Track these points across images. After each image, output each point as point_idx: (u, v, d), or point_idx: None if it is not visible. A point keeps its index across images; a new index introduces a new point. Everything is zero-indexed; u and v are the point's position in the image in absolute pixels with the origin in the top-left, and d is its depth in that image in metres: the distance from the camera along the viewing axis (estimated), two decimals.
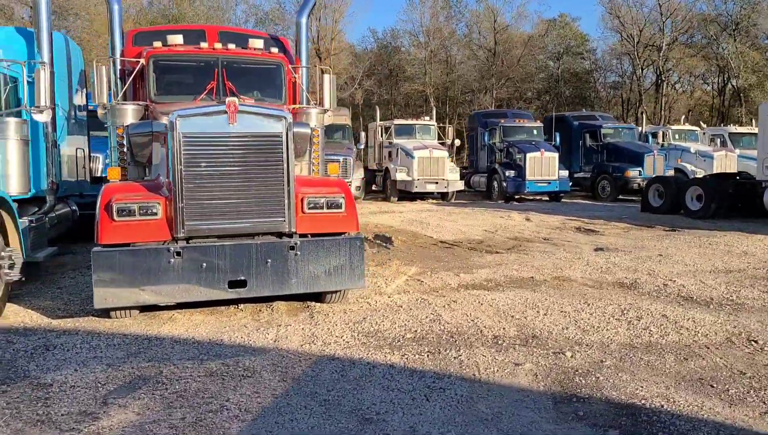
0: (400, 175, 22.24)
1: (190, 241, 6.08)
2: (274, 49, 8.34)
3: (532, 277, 8.50)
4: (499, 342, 5.59)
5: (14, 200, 7.72)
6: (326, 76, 8.40)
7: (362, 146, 22.95)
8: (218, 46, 8.05)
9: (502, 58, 52.89)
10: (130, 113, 7.37)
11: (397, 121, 24.90)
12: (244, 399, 4.30)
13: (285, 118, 6.25)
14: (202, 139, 6.01)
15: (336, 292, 6.78)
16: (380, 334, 5.83)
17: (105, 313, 6.31)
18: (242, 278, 6.13)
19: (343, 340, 5.64)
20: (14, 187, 7.34)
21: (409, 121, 24.94)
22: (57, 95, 8.85)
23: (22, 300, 7.23)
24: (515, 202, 21.89)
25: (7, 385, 4.61)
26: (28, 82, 7.84)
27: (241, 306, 6.82)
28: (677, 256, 9.94)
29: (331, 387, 4.52)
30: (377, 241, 12.24)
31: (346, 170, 20.71)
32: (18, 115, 7.61)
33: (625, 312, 6.57)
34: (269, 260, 6.19)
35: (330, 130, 22.78)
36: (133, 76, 7.78)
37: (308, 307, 6.85)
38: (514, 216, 16.76)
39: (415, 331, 5.91)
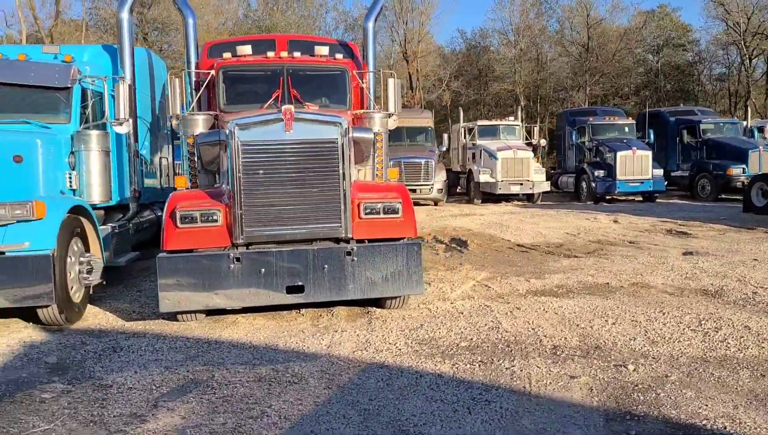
0: (484, 177, 21.90)
1: (250, 247, 6.20)
2: (339, 56, 8.39)
3: (608, 283, 8.08)
4: (558, 353, 5.34)
5: (100, 208, 8.22)
6: (390, 81, 8.35)
7: (444, 148, 22.76)
8: (284, 54, 8.19)
9: (596, 53, 51.03)
10: (200, 123, 7.63)
11: (480, 122, 24.56)
12: (286, 406, 4.32)
13: (340, 124, 6.27)
14: (260, 147, 6.13)
15: (394, 298, 6.72)
16: (434, 341, 5.72)
17: (173, 316, 6.55)
18: (300, 284, 6.19)
19: (396, 347, 5.56)
20: (96, 196, 7.77)
21: (493, 122, 24.54)
22: (139, 107, 9.33)
23: (104, 302, 7.64)
24: (605, 204, 21.02)
25: (72, 385, 4.87)
26: (110, 96, 8.33)
27: (303, 311, 6.90)
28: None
29: (374, 396, 4.46)
30: (452, 244, 12.08)
31: (428, 173, 20.66)
32: (102, 127, 8.06)
33: (703, 322, 6.11)
34: (326, 266, 6.22)
35: (412, 133, 22.93)
36: (204, 86, 8.06)
37: (368, 312, 6.83)
38: (600, 218, 16.08)
39: (471, 339, 5.75)
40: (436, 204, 21.63)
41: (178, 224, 6.11)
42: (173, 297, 6.02)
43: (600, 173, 21.53)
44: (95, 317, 6.98)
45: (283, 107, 6.15)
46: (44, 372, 5.21)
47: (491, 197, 22.41)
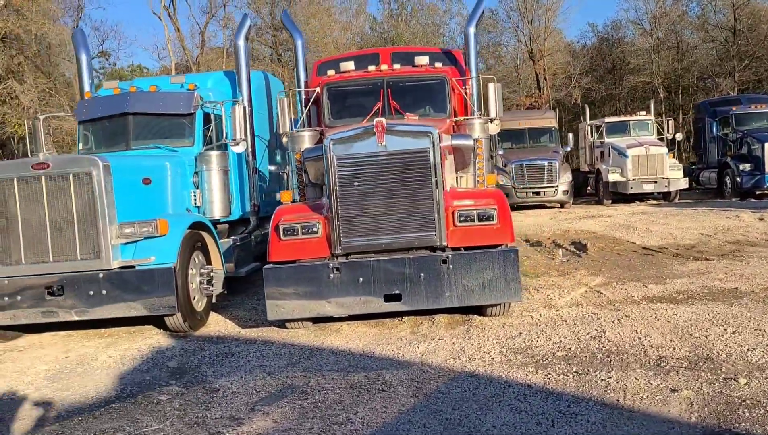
0: (613, 176, 20.88)
1: (348, 257, 6.42)
2: (439, 64, 8.45)
3: (737, 289, 7.47)
4: (662, 364, 5.04)
5: (224, 222, 8.87)
6: (491, 85, 8.29)
7: (569, 148, 21.98)
8: (385, 67, 8.38)
9: (746, 35, 46.94)
10: (306, 139, 8.01)
11: (608, 119, 23.45)
12: (371, 413, 4.44)
13: (431, 133, 6.33)
14: (354, 160, 6.35)
15: (494, 305, 6.65)
16: (530, 350, 5.60)
17: (282, 324, 6.93)
18: (397, 292, 6.32)
19: (490, 356, 5.52)
20: (217, 212, 8.38)
21: (622, 118, 23.34)
22: (257, 127, 9.93)
23: (226, 310, 8.22)
24: (752, 200, 19.27)
25: (186, 388, 5.32)
26: (229, 118, 8.97)
27: (404, 319, 7.02)
28: None
29: (457, 406, 4.47)
30: (571, 248, 11.68)
31: (552, 174, 20.04)
32: (222, 148, 8.69)
33: None
34: (422, 274, 6.29)
35: (535, 134, 22.41)
36: (310, 103, 8.46)
37: (468, 320, 6.81)
38: (744, 216, 14.76)
39: (569, 348, 5.57)
40: (562, 206, 20.95)
41: (282, 237, 6.47)
42: (279, 305, 6.38)
43: (746, 167, 19.76)
44: (216, 324, 7.54)
45: (375, 120, 6.32)
46: (165, 375, 5.73)
47: (622, 197, 21.32)
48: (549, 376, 4.94)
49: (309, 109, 8.66)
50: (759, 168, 19.43)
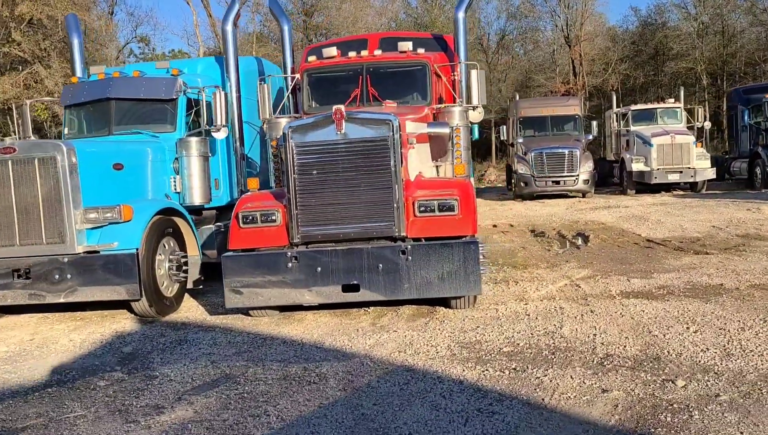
0: (636, 166, 20.28)
1: (308, 247, 6.35)
2: (421, 50, 8.25)
3: (722, 284, 7.14)
4: (605, 363, 4.83)
5: (212, 208, 8.88)
6: (473, 72, 8.06)
7: (591, 137, 21.39)
8: (365, 53, 8.23)
9: None
10: (283, 126, 7.92)
11: (634, 107, 22.72)
12: (291, 406, 4.37)
13: (390, 122, 6.18)
14: (313, 148, 6.25)
15: (457, 298, 6.49)
16: (479, 345, 5.44)
17: (247, 311, 6.90)
18: (355, 283, 6.22)
19: (436, 350, 5.39)
20: (197, 198, 8.38)
21: (649, 106, 22.64)
22: (247, 113, 9.89)
23: (204, 297, 8.23)
24: None
25: (129, 375, 5.34)
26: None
27: (371, 309, 6.91)
28: None
29: (379, 401, 4.36)
30: (573, 239, 11.37)
31: (572, 163, 19.55)
32: (205, 134, 8.66)
33: None
34: (381, 265, 6.17)
35: (558, 122, 21.90)
36: (290, 90, 8.38)
37: (432, 312, 6.68)
38: (765, 209, 14.14)
39: (518, 344, 5.40)
40: (583, 196, 20.44)
41: (241, 225, 6.43)
42: (237, 294, 6.35)
43: None
44: (188, 310, 7.57)
45: (334, 107, 6.20)
46: (114, 360, 5.77)
47: (647, 187, 20.68)
48: (485, 372, 4.79)
49: (294, 96, 8.58)
50: None
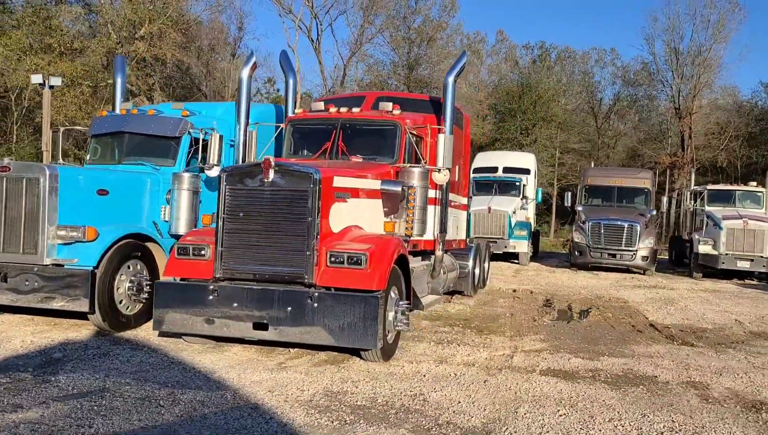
0: (704, 248, 19.09)
1: (232, 282, 6.80)
2: (398, 111, 8.58)
3: (656, 377, 6.83)
4: (433, 429, 4.86)
5: None
6: (440, 136, 8.32)
7: (654, 212, 20.47)
8: (344, 110, 8.70)
9: None
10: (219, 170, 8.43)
11: (711, 186, 21.57)
12: (117, 422, 4.77)
13: (311, 175, 6.57)
14: (241, 193, 6.75)
15: (366, 350, 6.65)
16: (341, 396, 5.60)
17: (179, 336, 7.40)
18: (265, 322, 6.58)
19: (300, 393, 5.61)
20: (182, 228, 9.07)
21: (727, 187, 21.43)
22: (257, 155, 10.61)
23: None
24: None
25: (33, 377, 5.94)
26: (229, 145, 9.76)
27: (293, 350, 7.21)
28: None
29: (194, 431, 4.67)
30: (574, 314, 11.06)
31: (631, 238, 18.86)
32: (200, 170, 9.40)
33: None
34: (289, 308, 6.50)
35: (627, 194, 21.25)
36: (273, 137, 9.00)
37: (346, 359, 6.89)
38: None
39: (376, 400, 5.51)
40: (643, 272, 19.56)
41: (176, 256, 7.01)
42: (162, 319, 6.89)
43: None
44: (146, 330, 8.16)
45: (264, 157, 6.70)
46: (36, 363, 6.43)
47: (714, 272, 19.42)
48: (317, 420, 4.96)
49: (269, 143, 9.16)
50: None
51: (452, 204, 10.44)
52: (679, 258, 23.45)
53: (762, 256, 18.38)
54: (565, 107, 51.37)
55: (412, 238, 8.55)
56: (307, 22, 42.01)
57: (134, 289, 8.12)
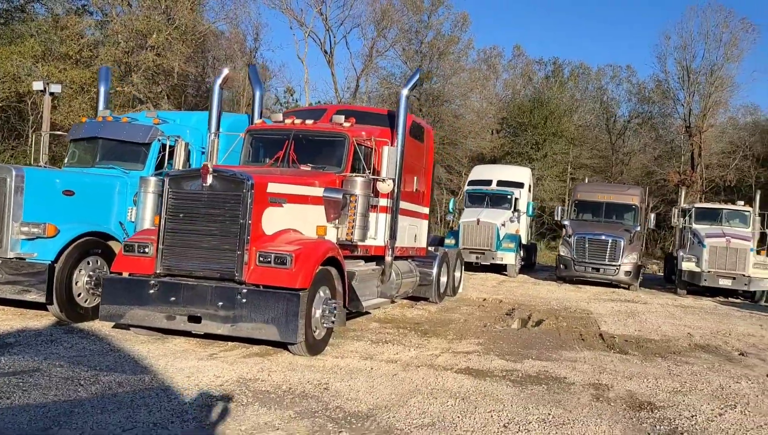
0: (687, 265, 19.27)
1: (166, 278, 7.36)
2: (347, 124, 9.09)
3: (565, 378, 7.23)
4: (320, 414, 5.34)
5: None
6: (385, 148, 8.85)
7: (638, 228, 20.67)
8: (298, 121, 9.24)
9: None
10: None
11: (698, 205, 21.75)
12: (33, 397, 5.33)
13: (244, 181, 7.12)
14: (182, 195, 7.33)
15: (290, 344, 7.14)
16: (253, 383, 6.09)
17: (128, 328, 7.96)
18: (198, 315, 7.12)
19: (205, 381, 6.06)
20: (144, 228, 9.68)
21: (714, 205, 21.55)
22: (226, 162, 11.21)
23: None
24: None
25: None
26: (200, 151, 10.37)
27: (231, 344, 7.73)
28: None
29: (83, 408, 5.20)
30: (529, 322, 11.44)
31: (614, 253, 19.11)
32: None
33: (510, 424, 5.35)
34: (221, 303, 7.04)
35: (616, 209, 21.48)
36: (232, 146, 9.58)
37: (276, 352, 7.40)
38: None
39: (281, 387, 6.01)
40: (627, 287, 19.77)
41: (123, 252, 7.60)
42: (107, 309, 7.46)
43: None
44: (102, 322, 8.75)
45: (203, 163, 7.27)
46: None
47: (697, 289, 19.58)
48: (216, 402, 5.47)
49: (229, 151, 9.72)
50: None
51: (409, 213, 10.92)
52: (669, 275, 23.57)
53: (744, 275, 18.53)
54: (577, 123, 51.59)
55: (361, 244, 9.06)
56: (321, 34, 42.85)
57: (92, 283, 8.72)
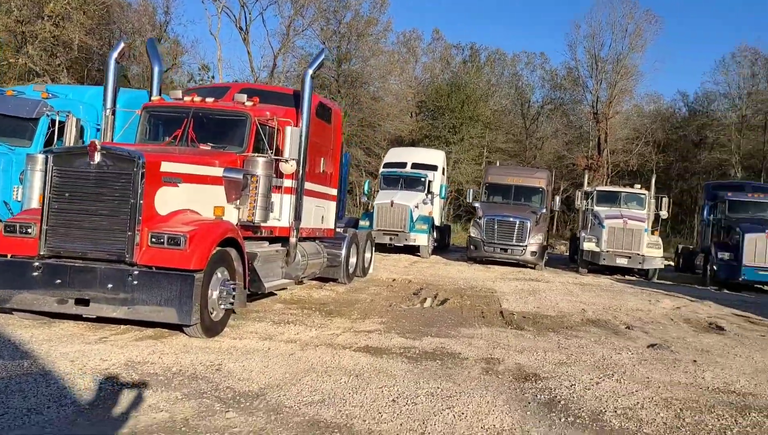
0: (588, 245, 20.24)
1: (51, 259, 7.03)
2: (249, 103, 8.93)
3: (459, 353, 7.44)
4: (209, 394, 5.28)
5: None
6: (288, 129, 8.76)
7: (544, 210, 21.51)
8: (198, 99, 8.99)
9: None
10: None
11: (600, 188, 22.82)
12: None
13: (135, 159, 6.88)
14: (67, 173, 7.00)
15: (185, 326, 7.00)
16: (140, 366, 5.95)
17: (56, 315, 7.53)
18: (86, 298, 6.86)
19: (90, 365, 5.86)
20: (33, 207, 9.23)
21: (613, 188, 22.70)
22: (123, 139, 10.77)
23: None
24: (726, 291, 18.02)
25: None
26: (94, 128, 9.90)
27: (125, 326, 7.50)
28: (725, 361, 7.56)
29: None
30: (433, 301, 11.68)
31: (521, 234, 19.77)
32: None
33: (399, 398, 5.51)
34: (110, 285, 6.80)
35: (524, 192, 22.15)
36: (128, 123, 9.23)
37: (171, 335, 7.24)
38: (666, 302, 14.04)
39: (171, 369, 5.91)
40: (533, 267, 20.50)
41: (4, 233, 7.20)
42: None
43: (725, 255, 18.64)
44: None
45: (90, 140, 6.97)
46: None
47: (598, 268, 20.58)
48: (98, 385, 5.32)
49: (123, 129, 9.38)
50: (737, 258, 18.26)
51: (316, 194, 10.88)
52: (572, 255, 24.62)
53: (638, 254, 19.63)
54: (492, 108, 52.80)
55: (264, 225, 8.96)
56: (236, 11, 41.69)
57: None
